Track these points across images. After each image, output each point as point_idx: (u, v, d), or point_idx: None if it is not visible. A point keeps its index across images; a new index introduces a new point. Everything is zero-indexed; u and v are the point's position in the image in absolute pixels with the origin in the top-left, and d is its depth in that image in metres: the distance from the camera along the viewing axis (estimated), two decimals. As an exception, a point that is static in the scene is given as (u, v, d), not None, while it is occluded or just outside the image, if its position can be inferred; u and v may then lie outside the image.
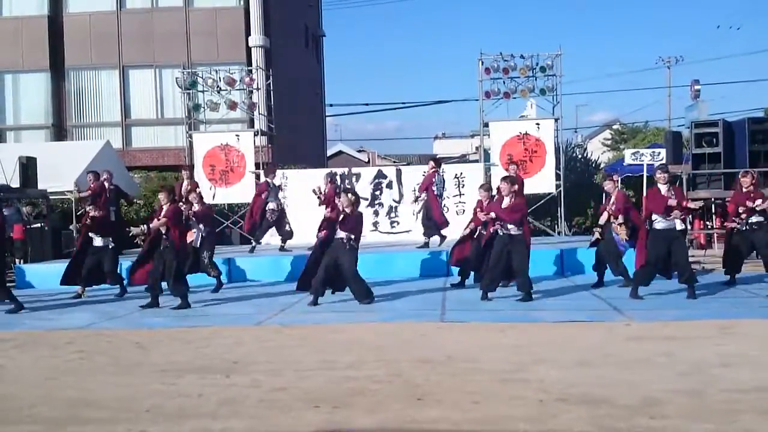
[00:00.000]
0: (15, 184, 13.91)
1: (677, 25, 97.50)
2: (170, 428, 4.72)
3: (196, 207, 10.92)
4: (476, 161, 20.11)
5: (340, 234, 9.62)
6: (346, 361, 6.43)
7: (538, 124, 16.20)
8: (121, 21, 22.30)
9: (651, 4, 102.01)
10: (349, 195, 9.86)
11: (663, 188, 9.24)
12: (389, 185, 15.76)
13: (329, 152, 39.17)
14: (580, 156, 23.60)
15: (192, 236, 10.78)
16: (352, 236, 9.61)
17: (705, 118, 15.03)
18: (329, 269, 9.64)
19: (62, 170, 15.44)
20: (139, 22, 22.28)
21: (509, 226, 9.33)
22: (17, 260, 14.06)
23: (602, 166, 23.31)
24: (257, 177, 13.78)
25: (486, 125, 16.64)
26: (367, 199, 15.71)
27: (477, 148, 22.22)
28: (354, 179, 16.00)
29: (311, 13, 30.11)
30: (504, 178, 9.90)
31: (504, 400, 5.07)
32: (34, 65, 22.40)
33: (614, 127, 44.92)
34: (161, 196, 10.11)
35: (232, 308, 9.74)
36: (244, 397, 5.35)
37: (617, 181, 10.67)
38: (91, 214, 11.15)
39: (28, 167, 13.93)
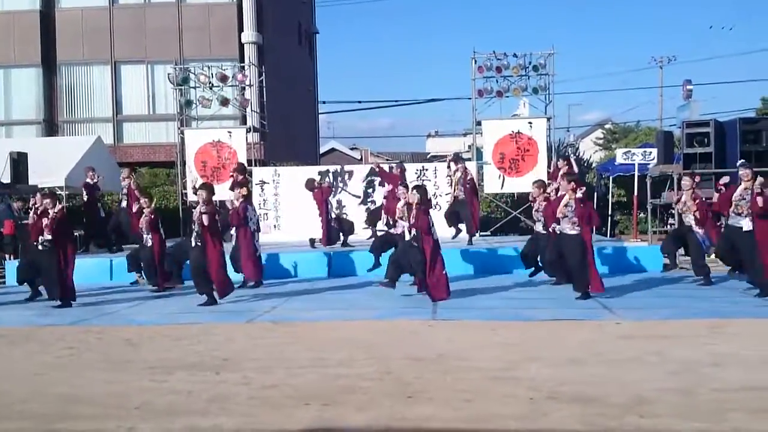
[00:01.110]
0: (6, 179, 13.86)
1: (670, 25, 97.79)
2: (160, 425, 4.70)
3: (236, 204, 10.91)
4: (469, 159, 20.12)
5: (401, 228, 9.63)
6: (337, 358, 6.42)
7: (530, 123, 16.23)
8: (113, 16, 22.20)
9: (643, 4, 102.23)
10: (415, 192, 9.62)
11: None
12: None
13: (322, 149, 39.16)
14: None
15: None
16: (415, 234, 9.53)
17: (697, 117, 15.07)
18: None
19: (53, 166, 15.38)
20: (131, 18, 22.19)
21: (563, 225, 9.28)
22: (7, 256, 14.01)
23: (594, 165, 23.38)
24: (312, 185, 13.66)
25: (479, 124, 16.66)
26: (359, 197, 15.73)
27: (470, 147, 22.21)
28: (346, 177, 15.99)
29: (304, 10, 30.05)
30: (563, 175, 9.86)
31: (495, 399, 5.08)
32: (25, 60, 22.27)
33: (606, 126, 44.97)
34: (202, 192, 9.80)
35: (226, 305, 9.70)
36: (234, 394, 5.34)
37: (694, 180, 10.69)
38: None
39: (19, 162, 13.88)
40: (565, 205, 9.26)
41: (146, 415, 4.89)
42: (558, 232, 9.39)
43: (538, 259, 10.77)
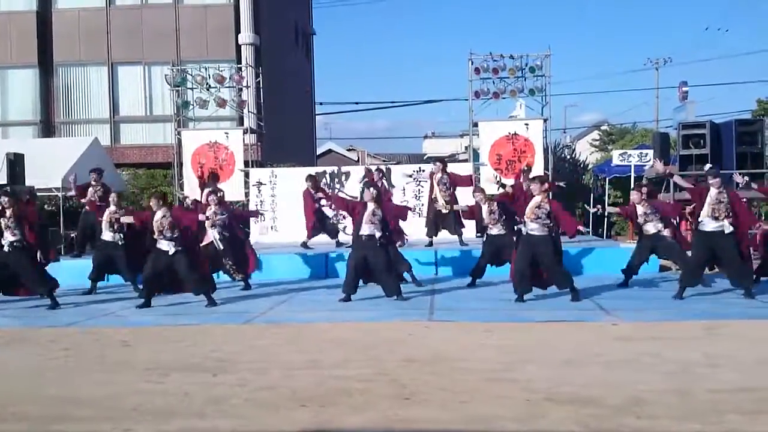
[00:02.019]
0: (2, 180, 13.82)
1: (665, 27, 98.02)
2: (156, 427, 4.69)
3: (212, 209, 10.86)
4: (465, 161, 20.14)
5: (369, 231, 9.58)
6: (333, 360, 6.42)
7: (527, 124, 16.26)
8: (110, 17, 22.19)
9: (639, 5, 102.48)
10: (371, 189, 9.86)
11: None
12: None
13: (319, 151, 39.13)
14: (568, 156, 23.68)
15: (207, 239, 10.80)
16: (383, 233, 9.62)
17: (692, 119, 15.08)
18: (359, 266, 9.65)
19: (50, 167, 15.35)
20: (128, 19, 22.17)
21: (532, 225, 9.23)
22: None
23: (590, 166, 23.38)
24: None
25: (475, 125, 16.68)
26: (355, 198, 15.69)
27: (466, 148, 22.24)
28: (343, 178, 15.98)
29: (301, 11, 30.06)
30: (534, 179, 9.84)
31: (491, 400, 5.08)
32: (22, 61, 22.25)
33: (602, 127, 45.07)
34: (153, 202, 9.94)
35: (222, 306, 9.68)
36: (230, 396, 5.33)
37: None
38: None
39: (15, 163, 13.84)
40: (537, 207, 9.24)
41: (142, 417, 4.87)
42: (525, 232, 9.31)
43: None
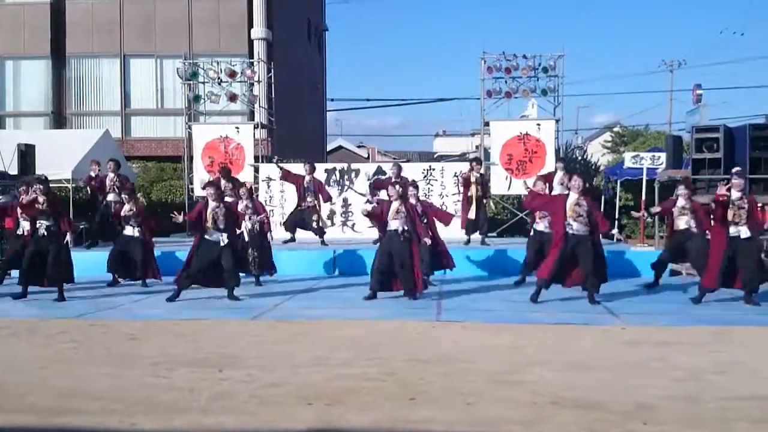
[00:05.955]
0: (13, 171, 13.87)
1: (680, 29, 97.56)
2: (161, 422, 4.70)
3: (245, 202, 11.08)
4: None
5: (394, 226, 9.62)
6: (340, 358, 6.41)
7: (538, 124, 16.17)
8: (123, 9, 22.23)
9: (654, 7, 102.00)
10: (397, 187, 9.91)
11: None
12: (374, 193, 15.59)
13: (329, 147, 39.11)
14: (580, 158, 23.56)
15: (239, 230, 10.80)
16: (406, 227, 9.60)
17: (706, 122, 14.96)
18: (383, 262, 9.64)
19: (61, 158, 15.40)
20: (141, 11, 22.19)
21: (575, 224, 9.12)
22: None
23: (602, 168, 23.26)
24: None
25: (487, 124, 16.61)
26: (364, 195, 15.67)
27: (477, 147, 22.18)
28: (353, 175, 15.96)
29: (314, 7, 30.04)
30: (579, 174, 9.74)
31: (498, 402, 5.06)
32: (35, 52, 22.30)
33: (615, 129, 44.87)
34: (212, 191, 9.78)
35: (230, 302, 9.68)
36: (236, 392, 5.33)
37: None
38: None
39: (26, 154, 13.89)
40: (577, 205, 9.16)
41: (148, 411, 4.88)
42: (571, 233, 9.15)
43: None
